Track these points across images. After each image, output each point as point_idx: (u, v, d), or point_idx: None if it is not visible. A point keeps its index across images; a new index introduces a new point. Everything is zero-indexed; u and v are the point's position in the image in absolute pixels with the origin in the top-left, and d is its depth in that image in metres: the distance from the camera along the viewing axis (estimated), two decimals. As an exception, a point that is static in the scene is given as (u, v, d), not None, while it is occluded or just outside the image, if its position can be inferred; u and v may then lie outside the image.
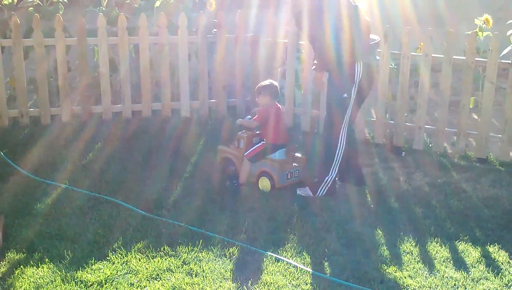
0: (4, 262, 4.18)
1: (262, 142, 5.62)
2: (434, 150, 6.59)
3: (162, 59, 7.31)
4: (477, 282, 4.08)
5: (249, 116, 5.82)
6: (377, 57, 5.67)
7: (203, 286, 3.95)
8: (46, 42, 6.98)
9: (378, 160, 6.37)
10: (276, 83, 5.72)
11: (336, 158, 5.39)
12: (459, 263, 4.31)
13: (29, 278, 3.98)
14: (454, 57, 6.39)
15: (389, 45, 6.59)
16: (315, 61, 5.65)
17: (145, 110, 7.38)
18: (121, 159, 6.16)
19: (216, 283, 3.99)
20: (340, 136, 5.37)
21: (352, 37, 5.21)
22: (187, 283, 3.98)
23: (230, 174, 5.73)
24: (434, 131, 6.65)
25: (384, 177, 5.93)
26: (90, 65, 7.36)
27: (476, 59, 6.33)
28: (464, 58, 6.35)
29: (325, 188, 5.41)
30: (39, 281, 3.95)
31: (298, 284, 4.02)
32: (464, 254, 4.45)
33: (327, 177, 5.41)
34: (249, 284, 3.98)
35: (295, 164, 5.64)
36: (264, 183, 5.53)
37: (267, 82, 5.71)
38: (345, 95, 5.31)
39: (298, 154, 5.74)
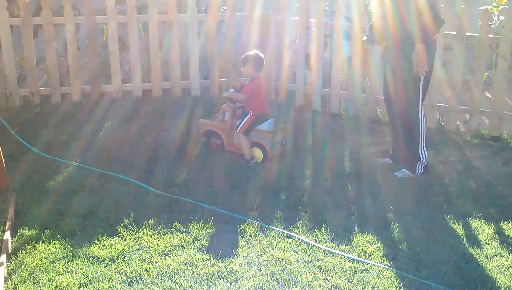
0: (16, 238, 4.19)
1: (249, 114, 5.65)
2: (446, 128, 6.53)
3: (171, 38, 7.27)
4: (490, 258, 4.04)
5: (232, 89, 5.86)
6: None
7: (214, 262, 3.94)
8: (55, 20, 6.95)
9: (390, 138, 6.32)
10: (261, 55, 5.71)
11: (421, 138, 5.27)
12: (473, 240, 4.28)
13: (41, 253, 3.98)
14: (466, 34, 6.31)
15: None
16: (367, 33, 5.55)
17: (155, 89, 7.36)
18: (132, 137, 6.15)
19: (227, 259, 3.98)
20: (420, 114, 5.22)
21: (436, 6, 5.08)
22: (198, 259, 3.97)
23: (214, 147, 5.79)
24: (446, 109, 6.58)
25: (396, 155, 5.88)
26: (99, 44, 7.33)
27: (489, 36, 6.24)
28: (477, 35, 6.26)
29: (421, 167, 5.35)
30: (51, 256, 3.95)
31: (310, 260, 4.00)
32: (478, 231, 4.41)
33: (421, 159, 5.32)
34: (260, 261, 3.97)
35: (283, 134, 5.78)
36: (256, 154, 5.61)
37: (252, 52, 5.72)
38: (415, 71, 5.09)
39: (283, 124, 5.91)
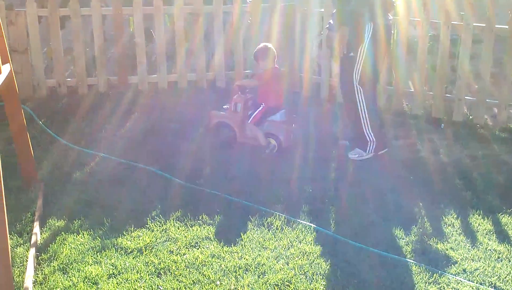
0: (45, 229, 4.23)
1: (261, 105, 5.70)
2: (474, 122, 6.45)
3: (197, 29, 7.26)
4: (521, 255, 4.00)
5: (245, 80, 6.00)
6: (390, 17, 5.53)
7: (242, 255, 3.94)
8: (83, 11, 6.98)
9: (416, 132, 6.27)
10: (271, 46, 5.78)
11: (363, 117, 5.40)
12: (502, 236, 4.23)
13: (70, 244, 4.01)
14: (496, 26, 6.21)
15: (428, 13, 6.44)
16: (331, 20, 5.62)
17: (180, 80, 7.37)
18: (158, 129, 6.17)
19: (254, 252, 3.98)
20: (356, 95, 5.35)
21: None
22: (225, 251, 3.98)
23: (226, 138, 5.78)
24: (474, 103, 6.50)
25: (423, 150, 5.84)
26: (125, 35, 7.35)
27: (519, 28, 6.14)
28: (507, 27, 6.16)
29: (372, 148, 5.48)
30: (80, 247, 3.98)
31: (337, 254, 3.98)
32: (508, 227, 4.36)
33: (370, 139, 5.46)
34: (288, 254, 3.96)
35: (295, 124, 5.81)
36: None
37: (261, 46, 5.80)
38: (352, 53, 5.27)
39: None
